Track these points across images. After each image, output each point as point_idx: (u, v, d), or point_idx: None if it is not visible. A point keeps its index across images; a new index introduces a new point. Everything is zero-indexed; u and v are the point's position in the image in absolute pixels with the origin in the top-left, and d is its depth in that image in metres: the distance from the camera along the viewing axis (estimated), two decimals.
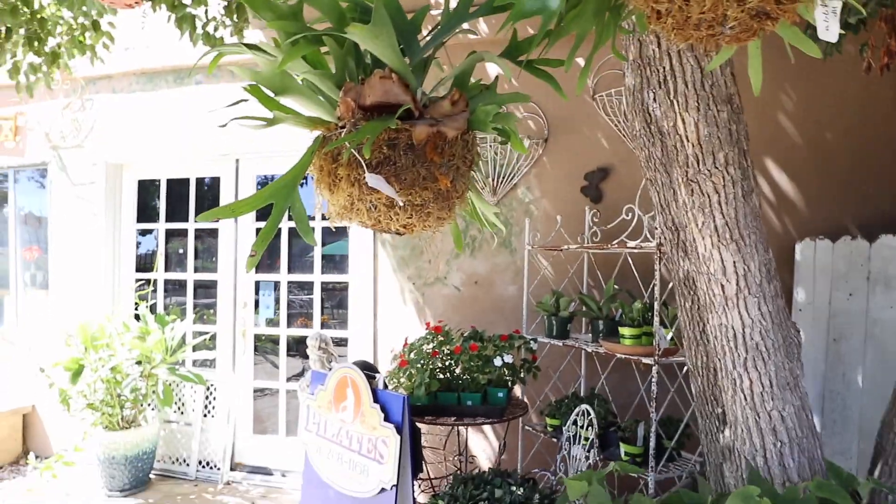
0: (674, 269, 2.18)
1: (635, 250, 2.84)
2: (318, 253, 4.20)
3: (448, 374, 2.99)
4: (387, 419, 2.54)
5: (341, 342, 4.06)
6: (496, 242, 3.72)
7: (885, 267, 2.99)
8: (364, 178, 0.84)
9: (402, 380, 2.95)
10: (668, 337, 2.62)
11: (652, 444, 2.58)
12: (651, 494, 2.57)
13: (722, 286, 1.58)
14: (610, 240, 3.19)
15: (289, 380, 4.24)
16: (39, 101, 4.30)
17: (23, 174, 4.69)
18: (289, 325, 4.28)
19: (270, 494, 3.84)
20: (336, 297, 4.52)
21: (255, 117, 0.94)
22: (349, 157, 0.85)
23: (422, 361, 2.95)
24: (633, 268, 3.14)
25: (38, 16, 2.35)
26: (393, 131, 0.84)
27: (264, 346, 4.56)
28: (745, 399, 1.68)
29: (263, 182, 4.35)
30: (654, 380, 2.61)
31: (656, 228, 2.65)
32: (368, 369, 2.85)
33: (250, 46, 0.88)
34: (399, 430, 2.49)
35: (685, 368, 2.91)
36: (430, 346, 3.05)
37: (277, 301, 4.34)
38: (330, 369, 2.98)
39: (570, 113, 3.59)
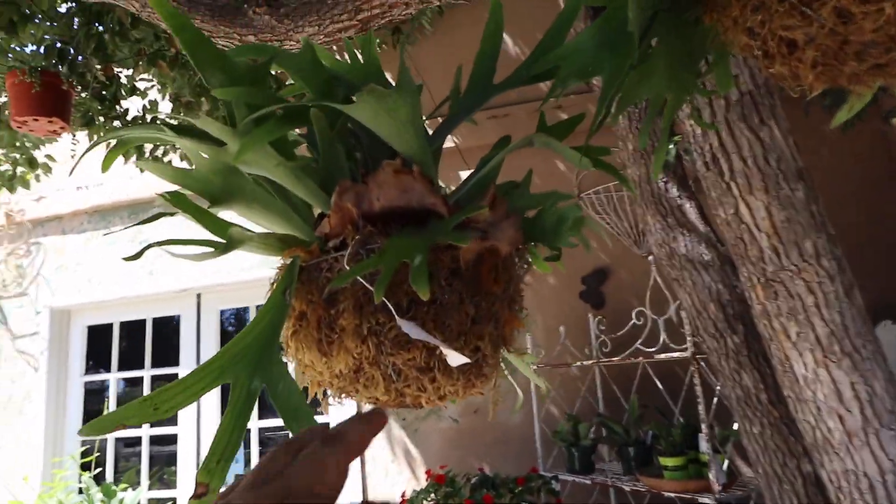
0: (726, 384, 1.81)
1: (662, 359, 2.47)
2: None
3: None
4: None
5: None
6: (545, 387, 3.31)
7: None
8: (388, 327, 0.49)
9: None
10: (726, 465, 2.18)
11: None
12: None
13: (840, 417, 1.20)
14: (621, 349, 2.83)
15: None
16: None
17: None
18: None
19: None
20: None
21: (197, 241, 0.60)
22: (357, 297, 0.49)
23: None
24: (655, 379, 2.75)
25: None
26: (429, 252, 0.50)
27: None
28: None
29: (230, 319, 3.94)
30: None
31: (688, 335, 2.31)
32: None
33: (176, 128, 0.55)
34: None
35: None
36: (433, 499, 2.53)
37: (248, 452, 3.76)
38: None
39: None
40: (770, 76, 0.60)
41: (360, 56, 0.69)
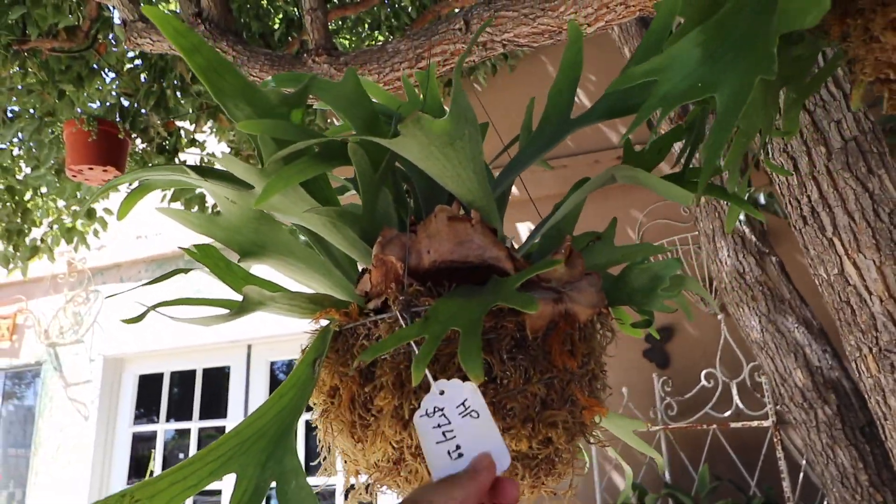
0: (817, 460, 1.59)
1: (737, 427, 2.24)
2: None
3: None
4: None
5: None
6: (628, 473, 3.11)
7: None
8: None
9: None
10: None
11: None
12: None
13: None
14: (687, 412, 2.60)
15: None
16: (44, 297, 4.07)
17: (14, 375, 4.31)
18: None
19: None
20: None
21: (210, 301, 0.52)
22: (398, 372, 0.40)
23: None
24: (728, 448, 2.49)
25: (25, 206, 2.14)
26: (488, 317, 0.40)
27: None
28: None
29: (281, 370, 3.89)
30: None
31: (769, 402, 2.09)
32: None
33: (200, 170, 0.47)
34: None
35: None
36: None
37: None
38: None
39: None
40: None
41: (419, 92, 0.62)
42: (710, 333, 2.87)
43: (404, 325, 0.41)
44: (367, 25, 3.21)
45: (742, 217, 1.83)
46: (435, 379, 0.39)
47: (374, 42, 3.27)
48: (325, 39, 1.77)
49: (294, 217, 0.48)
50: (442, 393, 0.39)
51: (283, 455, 0.38)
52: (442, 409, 0.38)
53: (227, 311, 0.47)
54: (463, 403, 0.40)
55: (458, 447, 0.38)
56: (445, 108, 0.57)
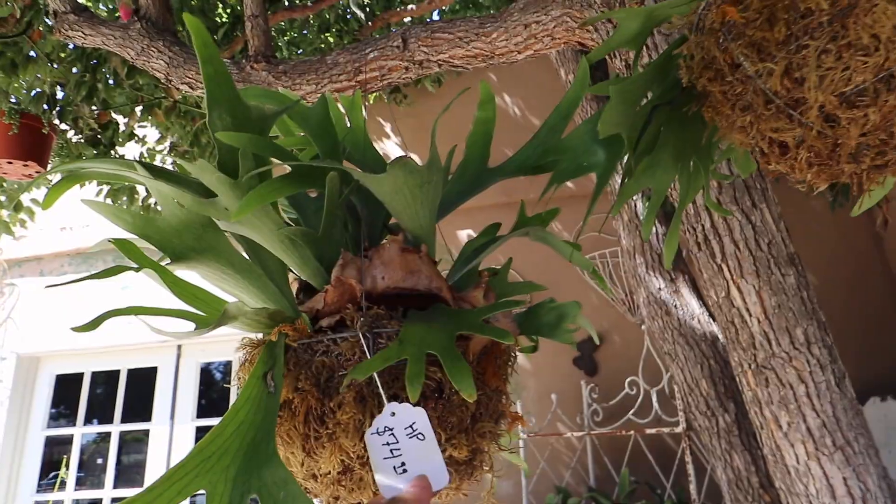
0: (717, 463, 1.74)
1: (652, 433, 2.40)
2: None
3: None
4: None
5: None
6: (524, 467, 3.20)
7: None
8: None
9: None
10: None
11: None
12: None
13: None
14: (612, 418, 2.75)
15: None
16: None
17: None
18: None
19: None
20: None
21: (169, 311, 0.55)
22: (360, 389, 0.45)
23: None
24: (647, 454, 2.66)
25: None
26: None
27: None
28: None
29: (209, 371, 3.80)
30: None
31: (681, 411, 2.25)
32: None
33: (152, 168, 0.50)
34: None
35: None
36: None
37: None
38: None
39: (553, 278, 3.34)
40: (770, 173, 0.59)
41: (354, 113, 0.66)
42: (635, 343, 3.05)
43: (366, 345, 0.46)
44: (316, 28, 3.21)
45: (657, 238, 1.97)
46: (388, 399, 0.44)
47: (323, 44, 3.27)
48: (264, 46, 1.77)
49: (255, 231, 0.51)
50: (393, 414, 0.44)
51: (261, 468, 0.40)
52: (392, 429, 0.43)
53: (195, 324, 0.50)
54: (411, 426, 0.44)
55: (403, 464, 0.43)
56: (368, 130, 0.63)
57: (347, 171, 0.50)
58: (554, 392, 3.04)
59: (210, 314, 0.52)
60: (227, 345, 3.69)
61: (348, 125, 0.64)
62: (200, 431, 3.69)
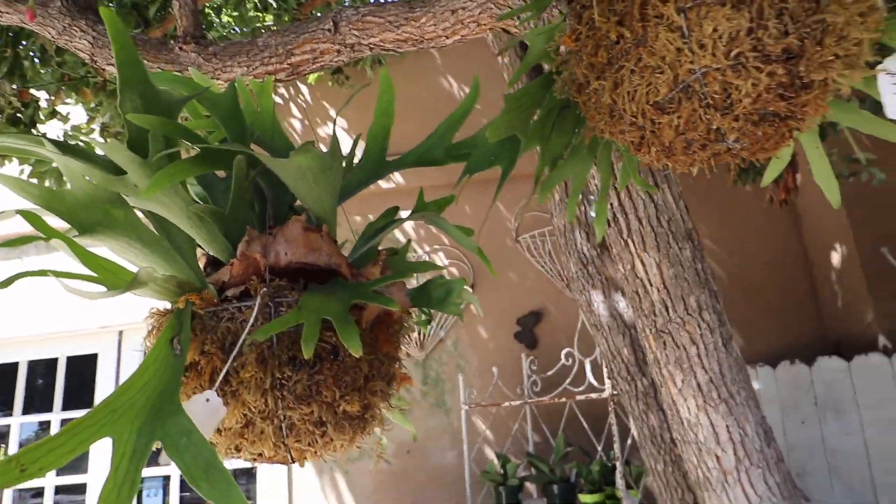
0: (637, 424, 1.90)
1: (584, 399, 2.56)
2: None
3: None
4: None
5: None
6: (429, 403, 3.32)
7: (830, 391, 2.90)
8: (294, 381, 0.51)
9: None
10: (638, 501, 2.26)
11: None
12: None
13: (717, 458, 1.29)
14: (551, 388, 2.91)
15: None
16: None
17: None
18: None
19: None
20: (239, 481, 3.79)
21: (80, 276, 0.59)
22: (261, 351, 0.51)
23: None
24: (581, 418, 2.83)
25: None
26: None
27: None
28: None
29: None
30: None
31: (607, 378, 2.41)
32: None
33: (62, 145, 0.54)
34: None
35: None
36: None
37: (165, 499, 3.55)
38: None
39: (495, 257, 3.46)
40: (643, 163, 0.70)
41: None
42: (572, 317, 3.21)
43: (271, 313, 0.53)
44: (252, 6, 3.17)
45: (584, 215, 2.09)
46: (287, 360, 0.52)
47: (261, 23, 3.24)
48: (193, 27, 1.77)
49: (164, 208, 0.57)
50: (207, 400, 0.52)
51: (165, 421, 0.46)
52: (201, 407, 0.51)
53: (104, 287, 0.55)
54: (214, 411, 0.53)
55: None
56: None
57: (254, 155, 0.56)
58: (495, 365, 3.18)
59: (118, 284, 0.58)
60: None
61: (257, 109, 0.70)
62: None
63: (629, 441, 2.37)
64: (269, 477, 3.30)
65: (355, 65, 3.39)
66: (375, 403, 0.59)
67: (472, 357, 3.36)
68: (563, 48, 0.68)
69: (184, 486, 3.59)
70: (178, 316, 0.55)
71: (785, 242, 3.41)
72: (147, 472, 3.52)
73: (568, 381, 2.75)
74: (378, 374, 0.59)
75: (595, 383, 2.60)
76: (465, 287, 0.65)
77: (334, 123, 0.60)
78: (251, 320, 0.53)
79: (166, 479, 3.57)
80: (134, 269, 0.60)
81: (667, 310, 1.32)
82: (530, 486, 3.05)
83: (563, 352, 2.85)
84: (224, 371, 0.54)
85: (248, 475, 3.55)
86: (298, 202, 0.67)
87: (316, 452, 0.59)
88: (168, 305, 0.62)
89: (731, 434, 1.27)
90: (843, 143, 2.28)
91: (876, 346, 2.95)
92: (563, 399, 2.64)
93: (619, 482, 2.28)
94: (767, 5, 0.52)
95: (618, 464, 2.28)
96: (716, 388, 1.29)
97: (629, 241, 1.36)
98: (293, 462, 0.59)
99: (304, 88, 3.82)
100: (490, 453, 3.17)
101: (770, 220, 3.40)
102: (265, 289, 0.55)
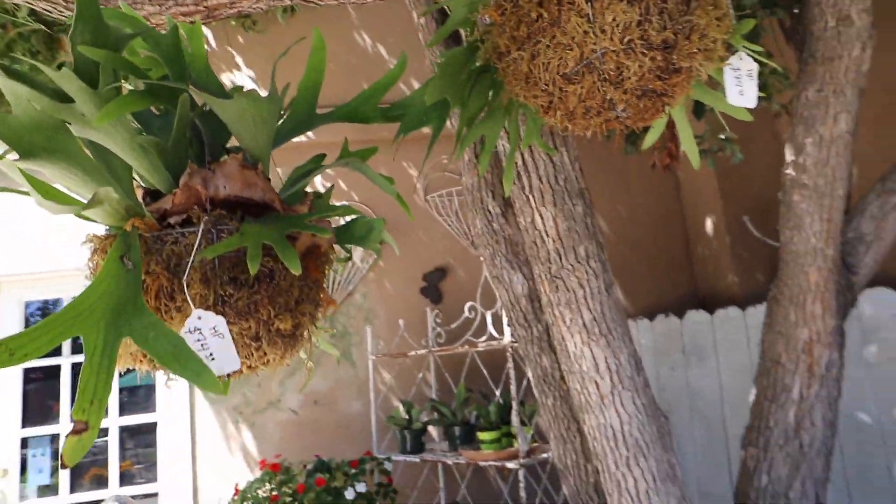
0: (531, 365, 2.11)
1: (484, 349, 2.76)
2: (113, 387, 3.44)
3: None
4: None
5: (150, 496, 3.28)
6: (336, 355, 3.40)
7: (695, 340, 3.32)
8: (235, 298, 0.58)
9: None
10: (529, 436, 2.52)
11: None
12: None
13: (596, 384, 1.51)
14: (455, 340, 3.09)
15: None
16: None
17: None
18: (74, 486, 3.35)
19: None
20: (141, 438, 3.71)
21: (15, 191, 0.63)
22: (205, 271, 0.58)
23: None
24: (481, 367, 3.05)
25: None
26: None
27: None
28: (631, 498, 1.59)
29: (39, 312, 3.53)
30: (522, 483, 2.46)
31: (507, 325, 2.61)
32: None
33: (9, 70, 0.57)
34: None
35: (549, 467, 2.81)
36: (268, 488, 2.56)
37: (57, 459, 3.41)
38: None
39: (403, 215, 3.55)
40: (549, 125, 0.82)
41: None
42: (475, 273, 3.40)
43: (213, 239, 0.60)
44: None
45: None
46: (228, 280, 0.59)
47: None
48: None
49: (109, 138, 0.60)
50: (199, 318, 0.59)
51: (130, 319, 0.51)
52: (200, 329, 0.58)
53: (59, 204, 0.58)
54: (214, 328, 0.60)
55: (211, 355, 0.59)
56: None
57: (198, 94, 0.61)
58: (402, 318, 3.32)
59: (68, 203, 0.61)
60: (53, 283, 3.45)
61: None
62: (29, 372, 3.47)
63: (524, 384, 2.61)
64: (171, 432, 3.27)
65: (267, 13, 3.28)
66: (305, 324, 0.67)
67: (379, 311, 3.47)
68: (486, 18, 0.78)
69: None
70: (125, 237, 0.60)
71: (667, 208, 3.79)
72: (33, 431, 3.36)
73: (470, 332, 2.94)
74: (307, 299, 0.67)
75: (495, 334, 2.80)
76: (384, 227, 0.75)
77: (273, 74, 0.66)
78: (196, 243, 0.59)
79: (54, 438, 3.43)
80: (75, 196, 0.64)
81: (560, 258, 1.50)
82: (433, 430, 3.26)
83: (467, 305, 3.03)
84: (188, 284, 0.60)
85: (150, 430, 3.49)
86: (231, 144, 0.73)
87: (251, 366, 0.67)
88: (104, 230, 0.67)
89: (609, 363, 1.49)
90: (716, 121, 2.58)
91: (734, 300, 3.40)
92: (466, 349, 2.83)
93: (515, 420, 2.51)
94: (653, 4, 0.65)
95: (514, 404, 2.51)
96: (598, 325, 1.49)
97: (530, 196, 1.51)
98: (228, 377, 0.67)
99: (208, 32, 3.63)
100: (395, 402, 3.33)
101: (655, 187, 3.76)
102: (206, 217, 0.62)
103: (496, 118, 0.88)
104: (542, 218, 1.52)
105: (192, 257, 0.57)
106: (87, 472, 3.56)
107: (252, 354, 0.64)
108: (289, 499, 2.51)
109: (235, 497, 2.57)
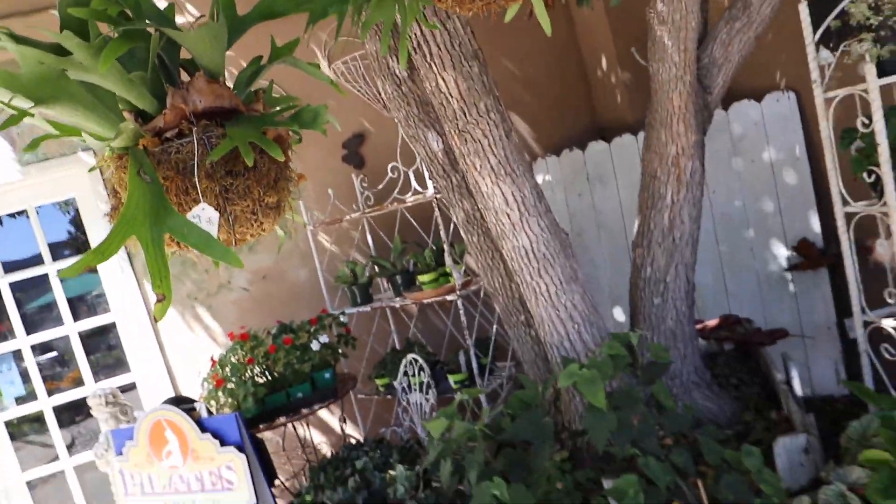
0: (454, 211, 2.42)
1: (412, 204, 3.05)
2: (61, 300, 3.53)
3: (270, 376, 2.89)
4: (224, 444, 2.38)
5: (127, 388, 3.57)
6: (274, 232, 3.60)
7: (597, 168, 3.74)
8: (234, 185, 0.80)
9: (224, 399, 2.76)
10: (462, 271, 2.93)
11: (474, 366, 2.91)
12: (486, 406, 2.91)
13: (508, 215, 1.85)
14: (383, 200, 3.35)
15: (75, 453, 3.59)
16: None
17: None
18: (51, 392, 3.57)
19: None
20: (102, 341, 3.91)
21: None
22: (206, 169, 0.79)
23: (238, 373, 2.79)
24: (412, 221, 3.36)
25: None
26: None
27: (23, 430, 3.75)
28: (545, 300, 2.02)
29: None
30: (461, 312, 2.91)
31: (429, 179, 2.88)
32: (182, 402, 2.60)
33: (17, 38, 0.72)
34: (241, 449, 2.36)
35: (482, 294, 3.29)
36: (242, 354, 2.89)
37: (25, 373, 3.58)
38: (129, 423, 2.64)
39: (312, 85, 3.56)
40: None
41: None
42: (392, 135, 3.57)
43: (206, 144, 0.80)
44: None
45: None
46: (225, 174, 0.81)
47: None
48: None
49: (104, 78, 0.77)
50: (203, 209, 0.81)
51: (165, 217, 0.73)
52: (199, 217, 0.79)
53: (94, 139, 0.76)
54: (209, 218, 0.82)
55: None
56: None
57: (165, 31, 0.77)
58: (330, 187, 3.52)
59: (98, 137, 0.80)
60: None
61: None
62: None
63: (451, 228, 2.96)
64: (133, 329, 3.47)
65: None
66: (284, 196, 0.91)
67: (307, 184, 3.63)
68: None
69: (39, 351, 3.62)
70: (135, 155, 0.79)
71: (563, 49, 4.00)
72: None
73: (396, 191, 3.19)
74: (282, 177, 0.90)
75: (419, 189, 3.07)
76: (326, 111, 0.96)
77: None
78: (195, 149, 0.80)
79: (16, 353, 3.56)
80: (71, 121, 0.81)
81: (464, 114, 1.74)
82: (378, 282, 3.63)
83: (389, 166, 3.24)
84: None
85: (111, 331, 3.67)
86: (185, 59, 0.89)
87: (251, 234, 0.91)
88: (106, 152, 0.85)
89: (515, 197, 1.82)
90: None
91: (628, 128, 3.78)
92: (395, 206, 3.10)
93: (448, 260, 2.90)
94: None
95: (445, 246, 2.87)
96: (503, 167, 1.79)
97: (432, 63, 1.70)
98: (236, 245, 0.91)
99: None
100: (340, 265, 3.64)
101: (553, 31, 3.91)
102: (196, 128, 0.81)
103: (390, 3, 1.05)
104: (444, 81, 1.72)
105: (195, 160, 0.78)
106: (62, 380, 3.77)
107: (252, 225, 0.88)
108: (262, 359, 2.86)
109: (213, 367, 2.90)
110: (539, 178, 3.93)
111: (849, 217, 2.01)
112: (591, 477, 1.86)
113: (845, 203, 1.99)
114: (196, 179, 0.78)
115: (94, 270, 3.61)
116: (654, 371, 1.84)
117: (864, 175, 1.86)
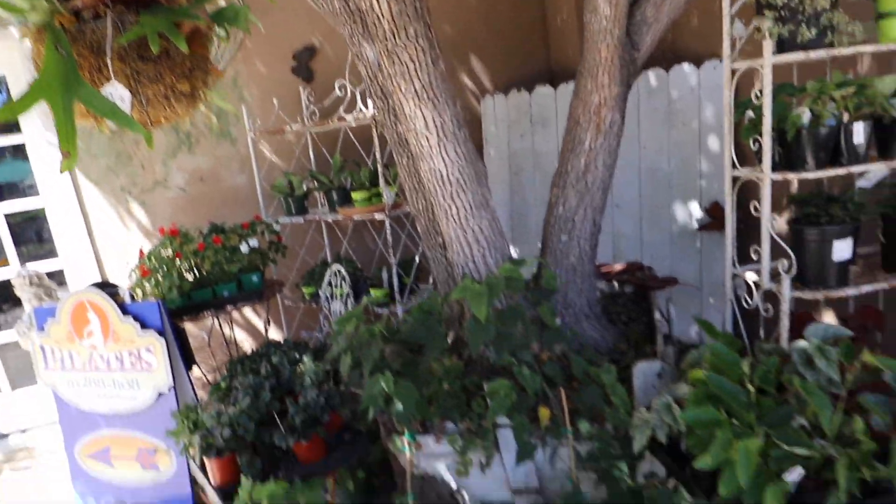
0: (389, 133, 2.53)
1: (354, 123, 3.11)
2: None
3: (197, 273, 2.99)
4: (144, 327, 2.52)
5: (56, 274, 3.60)
6: (214, 133, 3.60)
7: (541, 111, 3.87)
8: (144, 70, 0.90)
9: (150, 288, 2.87)
10: (393, 193, 3.06)
11: (396, 283, 3.11)
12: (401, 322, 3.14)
13: (427, 138, 1.98)
14: (328, 116, 3.39)
15: None
16: None
17: None
18: None
19: (15, 456, 3.44)
20: (32, 230, 3.88)
21: None
22: (119, 52, 0.89)
23: (165, 266, 2.89)
24: (353, 139, 3.44)
25: None
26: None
27: None
28: (455, 222, 2.19)
29: None
30: (388, 232, 3.07)
31: (369, 99, 2.95)
32: (106, 287, 2.70)
33: None
34: (161, 333, 2.50)
35: (411, 217, 3.45)
36: (170, 250, 2.98)
37: None
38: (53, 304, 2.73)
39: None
40: None
41: None
42: (342, 51, 3.57)
43: (120, 28, 0.89)
44: None
45: None
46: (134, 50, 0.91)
47: None
48: None
49: None
50: (115, 87, 0.91)
51: (77, 89, 0.84)
52: (111, 95, 0.90)
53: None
54: (122, 97, 0.92)
55: None
56: None
57: None
58: (275, 97, 3.52)
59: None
60: None
61: None
62: None
63: (387, 151, 3.06)
64: (61, 217, 3.47)
65: None
66: (199, 87, 1.02)
67: (253, 90, 3.62)
68: None
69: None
70: (52, 30, 0.88)
71: None
72: None
73: (342, 108, 3.24)
74: (198, 68, 1.01)
75: (364, 109, 3.13)
76: (248, 11, 1.05)
77: None
78: (109, 31, 0.89)
79: None
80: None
81: (394, 36, 1.83)
82: (316, 196, 3.73)
83: (337, 83, 3.27)
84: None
85: (40, 217, 3.65)
86: None
87: (166, 118, 1.02)
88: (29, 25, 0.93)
89: (435, 122, 1.95)
90: None
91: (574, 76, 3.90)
92: (339, 123, 3.16)
93: (381, 181, 3.02)
94: None
95: (380, 167, 2.99)
96: (426, 92, 1.91)
97: None
98: (152, 125, 1.02)
99: None
100: (278, 175, 3.70)
101: None
102: (110, 11, 0.90)
103: None
104: (378, 2, 1.80)
105: (108, 41, 0.88)
106: None
107: (165, 108, 0.99)
108: (190, 255, 2.96)
109: (142, 258, 2.98)
110: (485, 113, 4.04)
111: (735, 180, 2.24)
112: (477, 382, 2.11)
113: (734, 167, 2.22)
114: (108, 59, 0.88)
115: (25, 157, 3.54)
116: (541, 294, 2.07)
117: (751, 143, 2.08)
